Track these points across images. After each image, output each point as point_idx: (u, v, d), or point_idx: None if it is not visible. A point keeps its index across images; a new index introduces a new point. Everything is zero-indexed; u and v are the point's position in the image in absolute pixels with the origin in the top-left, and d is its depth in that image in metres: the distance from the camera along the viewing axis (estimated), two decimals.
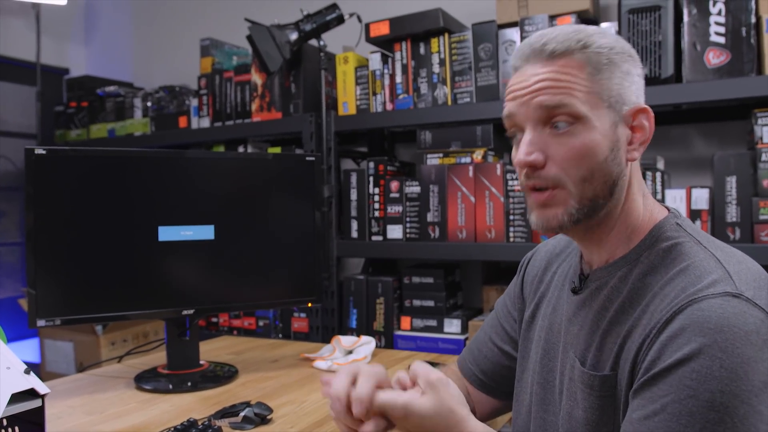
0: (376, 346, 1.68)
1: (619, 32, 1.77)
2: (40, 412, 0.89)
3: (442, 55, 2.04)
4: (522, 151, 0.81)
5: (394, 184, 2.11)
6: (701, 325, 0.69)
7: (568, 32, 0.81)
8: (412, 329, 2.12)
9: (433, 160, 2.05)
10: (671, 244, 0.80)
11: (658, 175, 1.75)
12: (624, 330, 0.78)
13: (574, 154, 0.79)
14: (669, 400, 0.68)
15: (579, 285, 0.90)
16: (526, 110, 0.81)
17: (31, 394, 0.88)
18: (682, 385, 0.68)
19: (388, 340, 2.13)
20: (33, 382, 0.88)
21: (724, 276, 0.73)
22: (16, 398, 0.86)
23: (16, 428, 0.86)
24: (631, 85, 0.82)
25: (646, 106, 0.82)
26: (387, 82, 2.14)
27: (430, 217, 2.03)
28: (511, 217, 1.91)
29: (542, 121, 0.80)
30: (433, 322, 2.09)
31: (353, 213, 2.18)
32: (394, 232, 2.10)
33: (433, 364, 1.52)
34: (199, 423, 1.10)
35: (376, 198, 2.15)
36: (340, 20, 2.16)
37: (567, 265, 0.98)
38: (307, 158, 1.59)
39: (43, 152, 1.30)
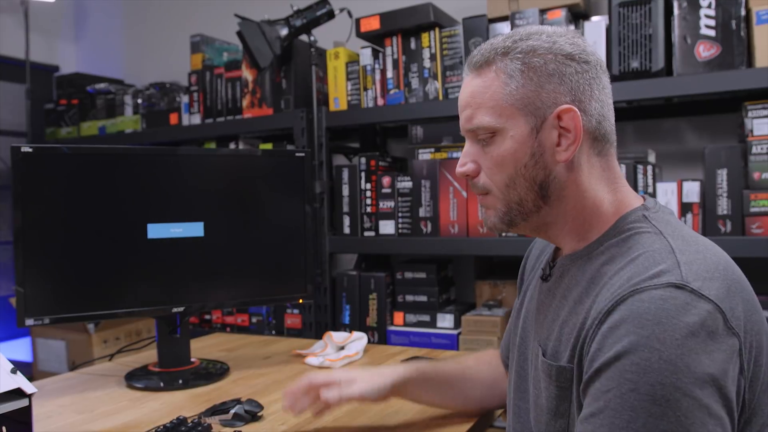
0: (369, 342, 1.68)
1: (609, 26, 1.77)
2: (27, 411, 0.89)
3: (433, 50, 2.03)
4: (459, 163, 0.88)
5: (386, 180, 2.10)
6: (640, 317, 0.68)
7: (499, 41, 0.85)
8: (405, 324, 2.12)
9: (425, 155, 2.05)
10: (630, 234, 0.80)
11: (650, 168, 1.75)
12: (579, 321, 0.78)
13: (495, 164, 0.84)
14: (611, 395, 0.67)
15: (548, 272, 0.91)
16: (461, 125, 0.88)
17: (18, 393, 0.88)
18: (623, 378, 0.67)
19: (381, 336, 2.13)
20: (19, 381, 0.87)
21: (672, 266, 0.72)
22: (2, 398, 0.85)
23: (3, 428, 0.86)
24: (560, 86, 0.81)
25: (570, 106, 0.80)
26: (378, 77, 2.13)
27: (422, 213, 2.02)
28: None
29: (469, 135, 0.87)
30: (426, 318, 2.09)
31: (345, 209, 2.17)
32: (387, 227, 2.10)
33: (423, 359, 1.52)
34: (189, 421, 1.09)
35: (368, 193, 2.14)
36: (330, 15, 2.15)
37: (548, 254, 1.00)
38: (298, 154, 1.58)
39: (30, 150, 1.29)
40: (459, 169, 0.88)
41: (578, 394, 0.76)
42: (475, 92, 0.84)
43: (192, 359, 1.49)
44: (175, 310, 1.43)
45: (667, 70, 1.72)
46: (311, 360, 1.54)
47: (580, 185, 0.83)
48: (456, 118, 1.99)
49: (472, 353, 1.25)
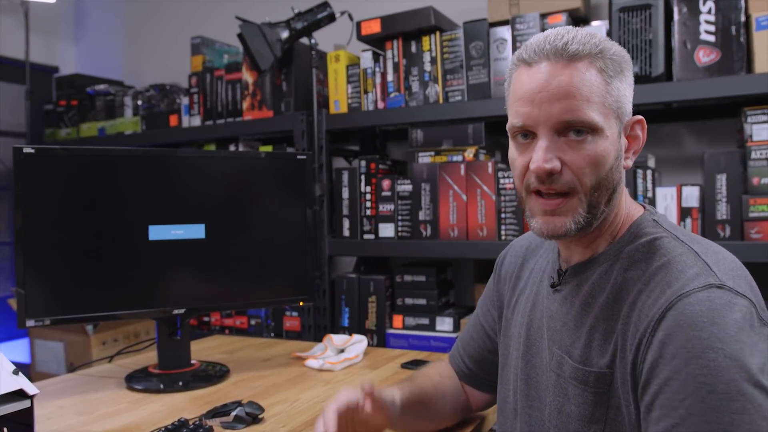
0: (369, 345, 1.68)
1: (609, 30, 1.78)
2: (29, 412, 0.89)
3: (434, 54, 2.03)
4: (540, 158, 0.79)
5: (386, 183, 2.11)
6: (695, 320, 0.69)
7: (584, 34, 0.81)
8: (405, 327, 2.12)
9: (425, 158, 2.05)
10: (650, 240, 0.82)
11: (649, 173, 1.76)
12: (616, 327, 0.79)
13: (589, 162, 0.79)
14: (690, 402, 0.67)
15: (558, 281, 0.90)
16: (545, 115, 0.79)
17: (20, 394, 0.88)
18: (697, 383, 0.67)
19: (380, 339, 2.13)
20: (22, 382, 0.87)
21: (704, 269, 0.75)
22: (4, 399, 0.85)
23: (5, 429, 0.86)
24: (630, 94, 0.84)
25: (642, 117, 0.85)
26: (378, 80, 2.14)
27: (421, 216, 2.03)
28: (503, 215, 1.92)
29: (558, 128, 0.80)
30: (425, 321, 2.09)
31: (345, 211, 2.17)
32: (386, 230, 2.10)
33: (422, 362, 1.52)
34: (190, 423, 1.09)
35: (368, 196, 2.15)
36: (331, 18, 2.16)
37: (544, 260, 0.99)
38: (299, 157, 1.58)
39: (32, 151, 1.29)
40: (544, 165, 0.78)
41: (632, 398, 0.76)
42: (576, 84, 0.78)
43: (192, 361, 1.49)
44: (175, 311, 1.43)
45: (667, 75, 1.72)
46: (311, 363, 1.54)
47: (620, 192, 0.86)
48: (456, 121, 2.01)
49: (432, 366, 1.18)
